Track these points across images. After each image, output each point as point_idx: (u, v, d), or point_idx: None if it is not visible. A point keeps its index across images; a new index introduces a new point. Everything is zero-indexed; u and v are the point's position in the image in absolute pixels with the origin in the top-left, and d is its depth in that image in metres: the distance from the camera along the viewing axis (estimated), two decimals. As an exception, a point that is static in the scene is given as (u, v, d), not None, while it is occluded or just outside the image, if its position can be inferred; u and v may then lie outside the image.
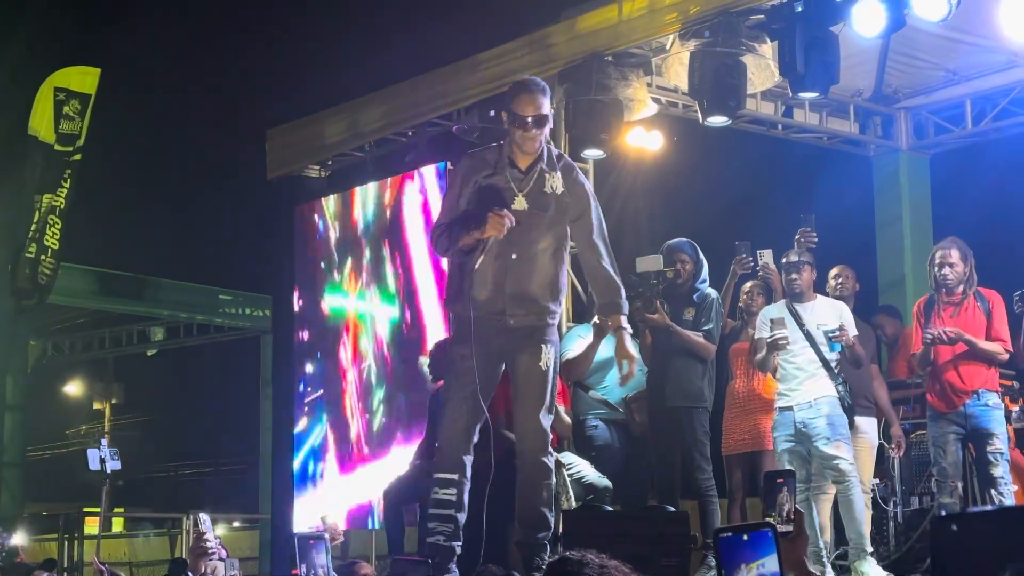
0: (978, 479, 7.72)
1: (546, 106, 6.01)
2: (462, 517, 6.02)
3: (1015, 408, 7.95)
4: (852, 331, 7.44)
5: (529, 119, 5.94)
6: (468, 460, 6.04)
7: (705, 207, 12.83)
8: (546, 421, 6.05)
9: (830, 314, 7.46)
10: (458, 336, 6.14)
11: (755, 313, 8.12)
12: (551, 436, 6.18)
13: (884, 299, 11.00)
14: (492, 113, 9.21)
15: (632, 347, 6.19)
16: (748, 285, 8.26)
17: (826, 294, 8.00)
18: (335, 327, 10.77)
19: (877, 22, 7.75)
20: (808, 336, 7.34)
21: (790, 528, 3.07)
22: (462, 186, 6.10)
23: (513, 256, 5.97)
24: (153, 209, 20.59)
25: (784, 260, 7.60)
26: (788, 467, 7.00)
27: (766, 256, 8.15)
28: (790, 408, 7.35)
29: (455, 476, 6.01)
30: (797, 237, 8.03)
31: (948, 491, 7.33)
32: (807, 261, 7.56)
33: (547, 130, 6.06)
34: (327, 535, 4.34)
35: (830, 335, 7.32)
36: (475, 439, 6.02)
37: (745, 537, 2.60)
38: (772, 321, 7.45)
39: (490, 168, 6.06)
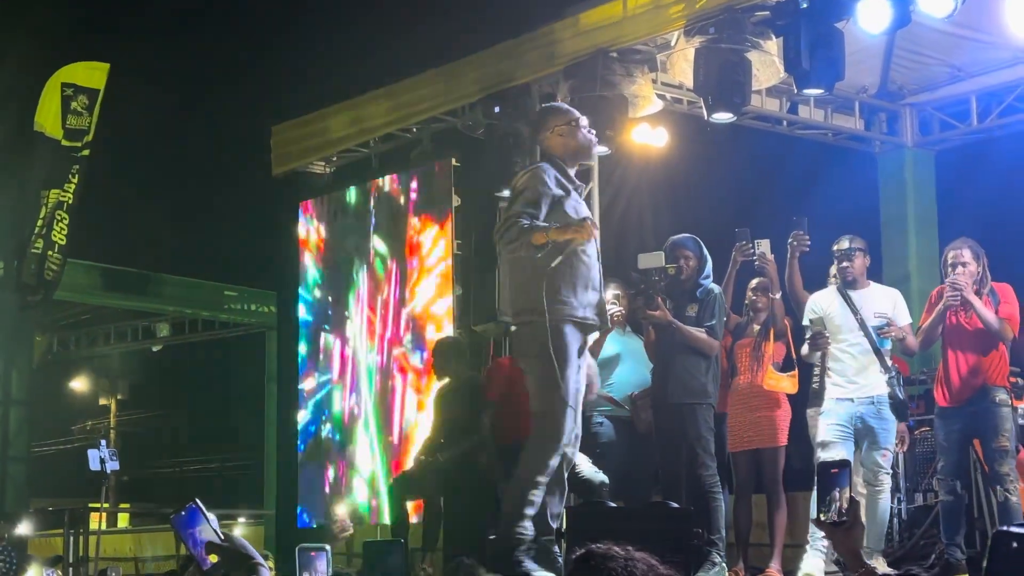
0: (982, 476, 7.70)
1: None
2: None
3: (1020, 405, 7.89)
4: (903, 320, 7.40)
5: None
6: None
7: (710, 204, 12.80)
8: None
9: (885, 302, 7.42)
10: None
11: (761, 310, 8.08)
12: None
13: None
14: (497, 109, 9.21)
15: None
16: (755, 283, 8.16)
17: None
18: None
19: (883, 18, 7.74)
20: (863, 325, 7.30)
21: (845, 519, 3.06)
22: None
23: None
24: (158, 205, 20.60)
25: (836, 248, 7.53)
26: (843, 456, 6.91)
27: (764, 246, 8.04)
28: (849, 400, 7.28)
29: None
30: (790, 241, 7.91)
31: (947, 490, 7.32)
32: (859, 248, 7.49)
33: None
34: (328, 544, 4.29)
35: (879, 331, 7.29)
36: None
37: None
38: (811, 321, 7.48)
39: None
